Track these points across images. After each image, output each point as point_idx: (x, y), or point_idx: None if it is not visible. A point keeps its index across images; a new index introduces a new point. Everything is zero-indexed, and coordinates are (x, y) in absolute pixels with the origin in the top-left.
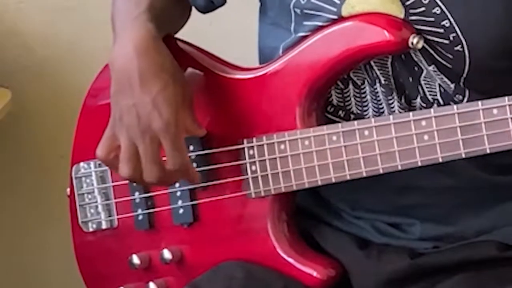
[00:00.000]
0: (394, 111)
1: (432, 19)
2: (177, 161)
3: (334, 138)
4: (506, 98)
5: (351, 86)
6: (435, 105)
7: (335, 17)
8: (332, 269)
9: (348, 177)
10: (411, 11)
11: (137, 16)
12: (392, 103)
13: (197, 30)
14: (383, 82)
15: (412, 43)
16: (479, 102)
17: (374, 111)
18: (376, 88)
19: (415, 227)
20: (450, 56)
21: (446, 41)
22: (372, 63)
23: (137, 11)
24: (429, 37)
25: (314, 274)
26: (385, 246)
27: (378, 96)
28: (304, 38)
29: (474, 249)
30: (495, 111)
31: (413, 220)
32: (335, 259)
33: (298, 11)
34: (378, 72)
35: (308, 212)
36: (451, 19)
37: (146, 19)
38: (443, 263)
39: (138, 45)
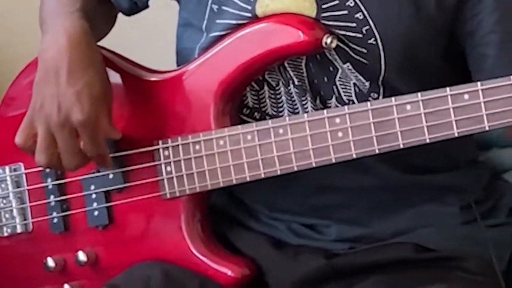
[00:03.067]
0: (308, 112)
1: (345, 12)
2: (94, 154)
3: (249, 137)
4: (419, 93)
5: (266, 88)
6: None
7: (249, 14)
8: (247, 268)
9: (263, 176)
10: (324, 5)
11: (73, 12)
12: (306, 104)
13: (119, 33)
14: (297, 83)
15: (326, 43)
16: (393, 98)
17: (289, 112)
18: (290, 89)
19: (330, 228)
20: (364, 51)
21: (360, 35)
22: (286, 64)
23: (72, 8)
24: (342, 32)
25: (229, 273)
26: (301, 247)
27: (293, 97)
28: (219, 39)
29: (390, 251)
30: (408, 107)
31: (329, 222)
32: (251, 259)
33: (215, 7)
34: (292, 73)
35: (225, 213)
36: (365, 12)
37: (80, 17)
38: (359, 264)
39: (72, 37)
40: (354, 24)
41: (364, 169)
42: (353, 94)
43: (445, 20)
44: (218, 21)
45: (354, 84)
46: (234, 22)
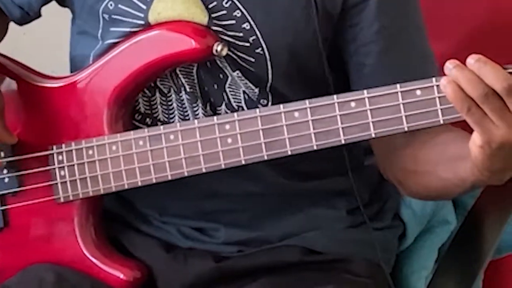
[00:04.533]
0: (198, 118)
1: (233, 22)
2: None
3: (141, 142)
4: (307, 101)
5: (158, 94)
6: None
7: (142, 22)
8: (138, 271)
9: (154, 181)
10: (213, 15)
11: None
12: (197, 110)
13: (11, 39)
14: (188, 90)
15: (216, 51)
16: (281, 106)
17: (180, 118)
18: (182, 96)
19: (219, 231)
20: (252, 60)
21: (247, 44)
22: (177, 71)
23: None
24: (231, 40)
25: (121, 276)
26: (191, 250)
27: (184, 104)
28: (113, 46)
29: (278, 254)
30: (296, 114)
31: (218, 225)
32: (143, 262)
33: (106, 16)
34: (183, 80)
35: (118, 217)
36: (251, 22)
37: None
38: (247, 267)
39: None
40: (241, 34)
41: (252, 176)
42: (242, 101)
43: (329, 30)
44: (112, 29)
45: (244, 91)
46: (128, 30)
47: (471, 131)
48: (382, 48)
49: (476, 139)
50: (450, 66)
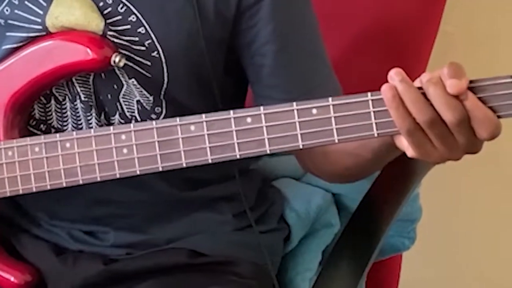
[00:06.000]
0: (92, 127)
1: (128, 26)
2: None
3: (37, 149)
4: (204, 115)
5: (53, 101)
6: (133, 121)
7: (40, 27)
8: (29, 275)
9: (49, 187)
10: (109, 20)
11: None
12: (91, 119)
13: None
14: (83, 98)
15: (114, 61)
16: (177, 118)
17: (73, 126)
18: (76, 105)
19: (109, 235)
20: (148, 63)
21: (143, 48)
22: (74, 80)
23: None
24: (127, 44)
25: (12, 279)
26: (80, 253)
27: (78, 112)
28: (12, 51)
29: (165, 256)
30: (192, 127)
31: (107, 229)
32: (34, 266)
33: (2, 22)
34: (79, 89)
35: (11, 221)
36: (146, 26)
37: None
38: (135, 269)
39: None
40: (137, 38)
41: (141, 185)
42: (136, 111)
43: (225, 33)
44: (8, 34)
45: (138, 101)
46: (25, 35)
47: None
48: (278, 47)
49: (407, 150)
50: (395, 78)
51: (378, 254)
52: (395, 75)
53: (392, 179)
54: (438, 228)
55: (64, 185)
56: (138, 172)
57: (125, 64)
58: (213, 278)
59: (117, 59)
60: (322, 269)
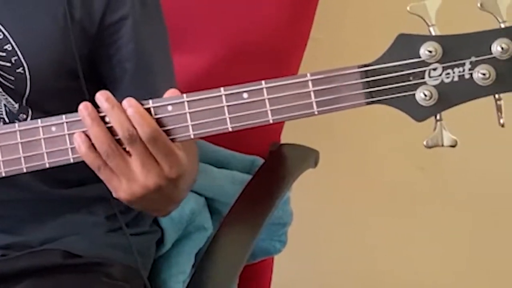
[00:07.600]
0: None
1: None
2: None
3: None
4: (64, 116)
5: None
6: (1, 123)
7: None
8: None
9: None
10: None
11: None
12: None
13: None
14: None
15: None
16: (39, 120)
17: None
18: None
19: None
20: (12, 78)
21: (8, 64)
22: None
23: None
24: None
25: None
26: None
27: None
28: None
29: (40, 257)
30: (53, 128)
31: None
32: None
33: None
34: None
35: None
36: (13, 43)
37: None
38: (10, 271)
39: None
40: (4, 54)
41: (17, 184)
42: (4, 113)
43: (89, 48)
44: None
45: (5, 105)
46: None
47: None
48: (135, 67)
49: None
50: (84, 112)
51: (250, 257)
52: (83, 108)
53: (264, 183)
54: (308, 231)
55: None
56: (3, 174)
57: None
58: (85, 279)
59: None
60: (194, 272)
